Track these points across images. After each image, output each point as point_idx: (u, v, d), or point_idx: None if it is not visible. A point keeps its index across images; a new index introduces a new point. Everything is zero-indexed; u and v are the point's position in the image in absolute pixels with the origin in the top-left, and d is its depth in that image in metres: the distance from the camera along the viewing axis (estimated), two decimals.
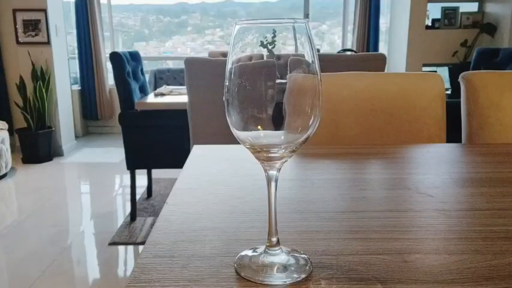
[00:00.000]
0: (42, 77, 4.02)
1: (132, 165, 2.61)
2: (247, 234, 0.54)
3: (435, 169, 0.82)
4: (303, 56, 0.41)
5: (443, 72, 4.39)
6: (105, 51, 5.10)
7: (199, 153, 0.92)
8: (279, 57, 0.40)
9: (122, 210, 2.90)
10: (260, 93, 0.41)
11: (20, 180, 3.52)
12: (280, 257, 0.47)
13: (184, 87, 2.35)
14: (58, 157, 4.17)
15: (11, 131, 3.89)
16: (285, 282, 0.43)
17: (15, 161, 3.88)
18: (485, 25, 4.40)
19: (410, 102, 1.18)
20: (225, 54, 3.98)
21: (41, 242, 2.39)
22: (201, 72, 2.08)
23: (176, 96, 2.75)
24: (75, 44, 5.08)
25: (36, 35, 4.04)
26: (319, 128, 0.44)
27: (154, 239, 0.52)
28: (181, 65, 5.29)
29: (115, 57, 2.56)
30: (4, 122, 3.73)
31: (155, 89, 4.37)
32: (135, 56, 2.85)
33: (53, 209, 2.88)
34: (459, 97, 1.23)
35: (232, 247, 0.50)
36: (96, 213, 2.83)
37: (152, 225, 2.59)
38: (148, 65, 5.50)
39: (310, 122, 0.42)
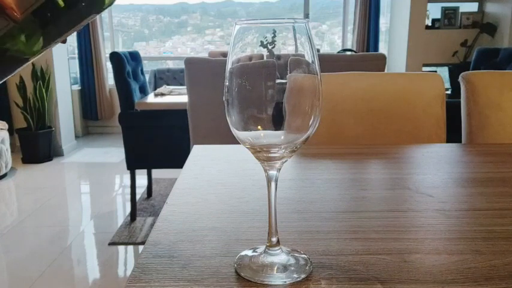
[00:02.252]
0: (42, 77, 4.02)
1: (132, 165, 2.61)
2: (247, 234, 0.54)
3: (435, 169, 0.82)
4: (303, 56, 0.41)
5: (443, 72, 4.39)
6: (105, 51, 5.09)
7: (199, 153, 0.92)
8: (279, 57, 0.40)
9: (122, 210, 2.90)
10: (260, 93, 0.41)
11: (20, 180, 3.52)
12: (280, 257, 0.47)
13: (184, 87, 2.35)
14: (58, 157, 4.16)
15: (11, 131, 3.89)
16: (285, 282, 0.43)
17: (15, 161, 3.88)
18: (485, 25, 4.40)
19: (410, 102, 1.18)
20: (225, 54, 3.98)
21: (41, 242, 2.39)
22: (201, 72, 2.08)
23: (176, 96, 2.75)
24: (75, 44, 5.08)
25: None
26: (319, 128, 0.44)
27: (154, 239, 0.52)
28: (181, 65, 5.29)
29: (115, 57, 2.56)
30: (4, 122, 3.73)
31: (155, 89, 4.37)
32: (135, 56, 2.85)
33: (53, 209, 2.88)
34: (459, 97, 1.23)
35: (232, 247, 0.50)
36: (96, 213, 2.83)
37: (152, 225, 2.59)
38: (148, 65, 5.50)
39: (310, 122, 0.42)
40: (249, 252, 0.48)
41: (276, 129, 0.42)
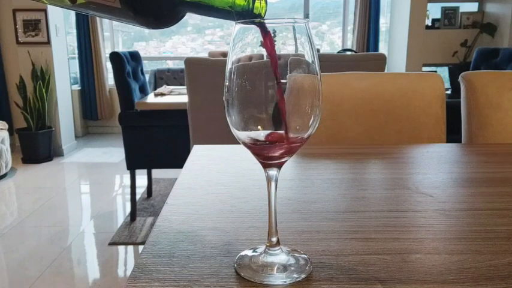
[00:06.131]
0: (42, 77, 4.02)
1: (132, 165, 2.61)
2: (247, 234, 0.54)
3: (435, 169, 0.82)
4: (303, 56, 0.41)
5: (443, 72, 4.39)
6: (105, 51, 5.09)
7: (199, 153, 0.92)
8: (279, 57, 0.40)
9: (122, 210, 2.90)
10: (260, 93, 0.41)
11: (20, 180, 3.52)
12: (280, 257, 0.46)
13: (184, 87, 2.35)
14: (58, 157, 4.16)
15: (11, 131, 3.89)
16: (285, 282, 0.43)
17: (15, 161, 3.88)
18: (485, 25, 4.40)
19: (410, 103, 1.18)
20: (225, 54, 3.98)
21: (41, 242, 2.39)
22: (201, 72, 2.08)
23: (176, 96, 2.75)
24: (75, 44, 5.08)
25: (36, 35, 4.04)
26: (319, 128, 0.44)
27: (154, 239, 0.52)
28: (181, 65, 5.29)
29: (115, 57, 2.56)
30: (4, 122, 3.73)
31: (155, 89, 4.37)
32: (135, 56, 2.85)
33: (53, 209, 2.88)
34: (459, 97, 1.23)
35: (232, 247, 0.50)
36: (96, 213, 2.83)
37: (152, 225, 2.59)
38: (149, 65, 5.50)
39: (310, 122, 0.42)
40: (249, 252, 0.48)
41: (276, 129, 0.42)
